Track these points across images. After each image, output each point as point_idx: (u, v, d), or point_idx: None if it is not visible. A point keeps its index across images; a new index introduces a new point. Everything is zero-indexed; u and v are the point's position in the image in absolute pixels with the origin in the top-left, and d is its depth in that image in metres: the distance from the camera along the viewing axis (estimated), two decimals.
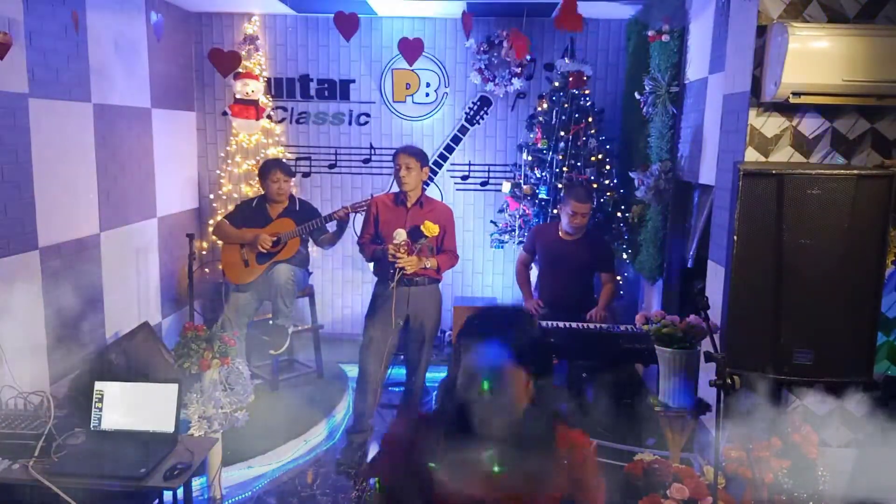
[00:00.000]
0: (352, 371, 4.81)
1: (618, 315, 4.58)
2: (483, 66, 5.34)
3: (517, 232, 5.13)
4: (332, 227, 4.45)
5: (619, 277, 4.92)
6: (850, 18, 2.84)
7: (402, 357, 4.22)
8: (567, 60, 4.96)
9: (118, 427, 2.72)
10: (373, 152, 5.65)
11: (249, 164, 5.41)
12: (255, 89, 5.17)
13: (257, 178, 5.26)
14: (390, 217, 3.85)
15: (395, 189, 3.95)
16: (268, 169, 4.43)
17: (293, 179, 4.67)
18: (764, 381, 2.61)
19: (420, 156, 3.84)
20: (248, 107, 5.17)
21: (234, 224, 4.40)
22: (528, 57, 5.33)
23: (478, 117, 5.52)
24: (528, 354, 1.58)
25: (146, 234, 4.82)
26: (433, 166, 5.60)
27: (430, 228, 3.72)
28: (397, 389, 4.55)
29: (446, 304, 5.58)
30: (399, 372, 4.67)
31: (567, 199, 4.22)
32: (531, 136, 5.16)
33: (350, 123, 5.63)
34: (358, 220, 4.31)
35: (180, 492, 2.66)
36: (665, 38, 4.18)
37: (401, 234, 3.69)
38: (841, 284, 2.55)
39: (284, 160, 5.02)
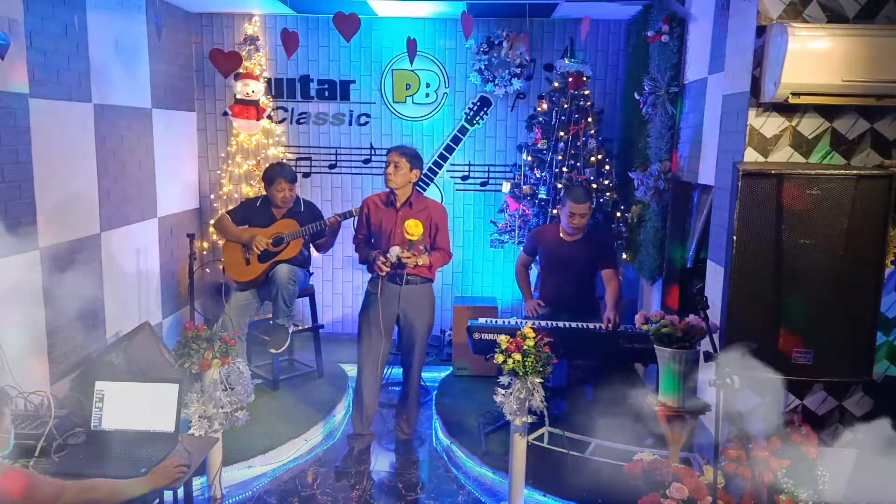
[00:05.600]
0: (352, 371, 4.81)
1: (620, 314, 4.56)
2: (483, 67, 5.35)
3: (517, 232, 5.14)
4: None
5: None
6: (849, 18, 2.84)
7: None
8: (567, 61, 4.96)
9: (119, 427, 2.72)
10: (373, 153, 5.66)
11: (250, 164, 5.41)
12: (255, 90, 5.16)
13: (258, 178, 5.29)
14: (381, 217, 3.86)
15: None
16: (272, 178, 4.40)
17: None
18: (763, 381, 2.62)
19: (410, 156, 3.79)
20: (249, 107, 5.17)
21: (235, 221, 4.40)
22: (528, 57, 5.34)
23: (478, 118, 5.52)
24: None
25: (147, 234, 4.82)
26: (433, 166, 5.61)
27: (412, 230, 3.64)
28: (397, 389, 4.55)
29: (446, 304, 5.60)
30: (399, 371, 4.67)
31: (565, 200, 4.21)
32: (531, 136, 5.17)
33: (350, 124, 5.64)
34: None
35: (180, 492, 2.66)
36: (664, 38, 4.18)
37: (394, 252, 3.69)
38: (841, 284, 2.55)
39: (287, 162, 5.03)
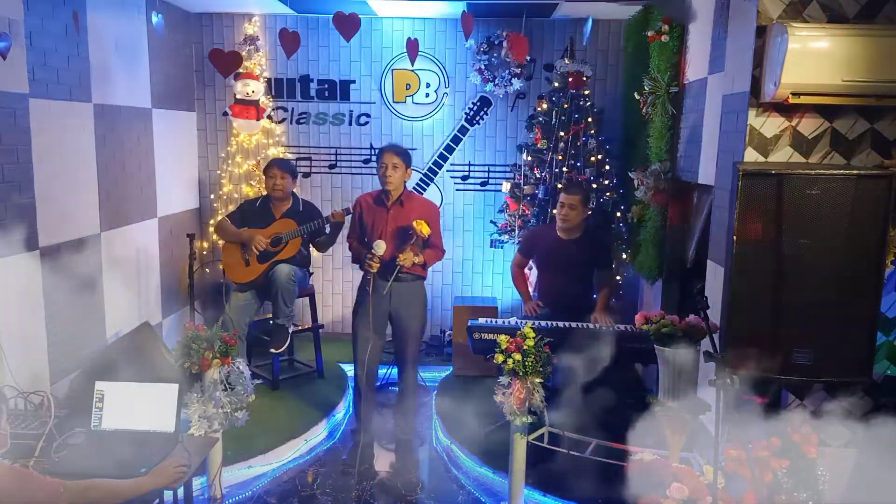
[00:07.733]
0: (351, 371, 4.81)
1: (618, 314, 4.57)
2: (483, 67, 5.34)
3: (517, 232, 5.14)
4: (326, 229, 4.46)
5: (618, 277, 4.91)
6: (849, 18, 2.84)
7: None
8: (567, 61, 4.96)
9: (118, 427, 2.72)
10: (373, 152, 5.66)
11: (250, 164, 5.41)
12: (255, 90, 5.17)
13: (258, 178, 5.29)
14: (373, 216, 3.89)
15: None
16: (268, 166, 4.47)
17: (296, 179, 4.65)
18: (764, 381, 2.62)
19: (406, 156, 3.85)
20: (249, 107, 5.17)
21: (235, 223, 4.41)
22: (528, 57, 5.33)
23: (478, 117, 5.52)
24: None
25: (147, 234, 4.82)
26: (433, 166, 5.61)
27: (424, 228, 3.71)
28: (394, 389, 4.55)
29: (446, 304, 5.60)
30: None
31: (559, 194, 4.27)
32: (531, 136, 5.16)
33: (350, 124, 5.64)
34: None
35: (180, 492, 2.66)
36: (664, 38, 4.18)
37: (380, 246, 3.70)
38: (841, 284, 2.55)
39: (288, 160, 5.03)
